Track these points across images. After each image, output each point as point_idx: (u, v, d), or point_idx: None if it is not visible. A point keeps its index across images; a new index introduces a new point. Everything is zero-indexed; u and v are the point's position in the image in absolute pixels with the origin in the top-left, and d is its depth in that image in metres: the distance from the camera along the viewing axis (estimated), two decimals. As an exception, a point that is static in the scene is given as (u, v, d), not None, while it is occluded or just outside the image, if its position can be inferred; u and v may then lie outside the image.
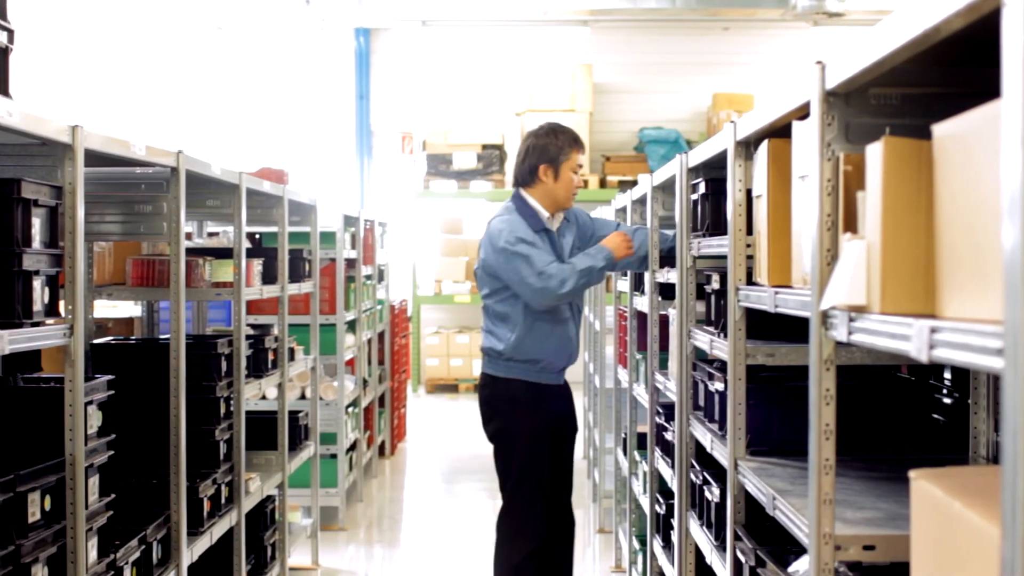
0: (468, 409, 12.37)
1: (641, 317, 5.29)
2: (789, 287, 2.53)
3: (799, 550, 2.71)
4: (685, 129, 13.73)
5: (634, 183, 12.63)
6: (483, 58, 14.08)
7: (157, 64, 12.86)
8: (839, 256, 2.04)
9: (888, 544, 2.15)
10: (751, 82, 13.82)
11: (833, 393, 2.16)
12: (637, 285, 5.27)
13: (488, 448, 10.22)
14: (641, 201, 5.22)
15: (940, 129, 1.74)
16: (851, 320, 1.96)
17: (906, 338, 1.69)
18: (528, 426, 4.42)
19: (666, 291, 4.64)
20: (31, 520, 2.81)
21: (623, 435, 5.85)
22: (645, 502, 4.86)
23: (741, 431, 3.00)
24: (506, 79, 13.82)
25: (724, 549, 3.17)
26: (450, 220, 13.76)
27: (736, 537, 2.97)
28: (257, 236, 6.69)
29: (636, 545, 5.32)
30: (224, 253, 4.84)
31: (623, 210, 5.82)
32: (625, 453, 5.66)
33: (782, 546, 2.81)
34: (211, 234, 6.45)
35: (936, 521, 1.72)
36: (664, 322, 4.69)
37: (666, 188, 4.57)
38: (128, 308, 5.96)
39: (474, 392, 13.27)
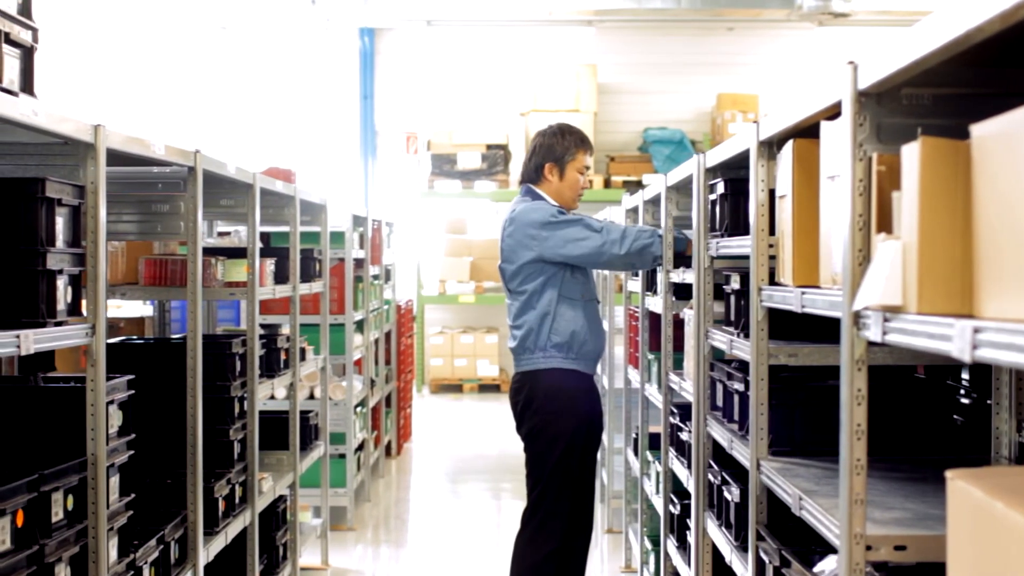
0: (472, 409, 12.38)
1: (653, 317, 5.29)
2: (816, 287, 2.52)
3: (823, 550, 2.72)
4: (689, 129, 13.74)
5: (639, 183, 12.72)
6: (488, 58, 14.08)
7: (161, 64, 12.86)
8: (873, 256, 2.04)
9: (919, 544, 2.15)
10: (755, 82, 13.82)
11: (865, 393, 2.16)
12: (649, 285, 5.27)
13: (491, 449, 10.32)
14: (653, 201, 5.22)
15: (980, 129, 1.74)
16: (886, 320, 1.96)
17: (947, 338, 1.68)
18: (567, 425, 4.34)
19: (679, 291, 4.64)
20: (54, 520, 2.81)
21: (633, 435, 5.85)
22: (658, 502, 4.86)
23: (763, 431, 3.00)
24: (511, 79, 13.82)
25: (745, 549, 3.17)
26: (454, 220, 13.76)
27: (759, 537, 2.96)
28: (266, 236, 6.69)
29: (648, 545, 5.32)
30: (235, 253, 4.84)
31: (634, 210, 5.82)
32: (636, 453, 5.66)
33: (804, 546, 2.81)
34: (221, 234, 6.45)
35: (976, 522, 1.71)
36: (678, 322, 4.69)
37: (680, 188, 4.56)
38: (136, 308, 5.95)
39: (478, 392, 13.31)
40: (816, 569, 2.59)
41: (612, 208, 7.37)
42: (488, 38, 14.04)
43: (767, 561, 2.85)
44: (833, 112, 2.37)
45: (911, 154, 1.90)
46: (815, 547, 2.76)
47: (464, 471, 9.08)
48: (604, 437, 7.53)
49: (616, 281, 7.22)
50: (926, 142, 1.86)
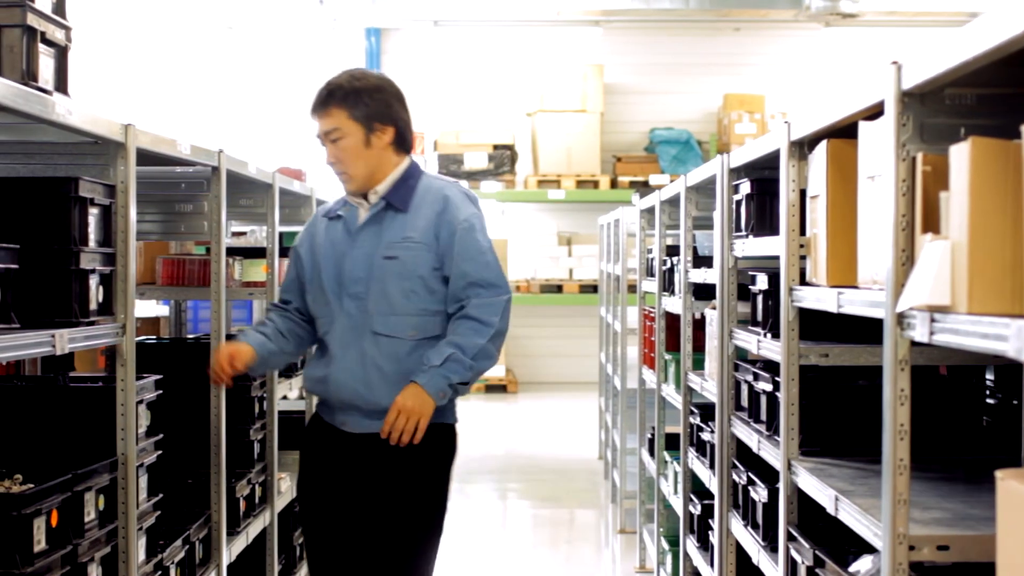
0: (478, 410, 12.38)
1: (670, 317, 5.29)
2: (854, 287, 2.52)
3: (857, 550, 2.71)
4: (696, 130, 13.74)
5: (645, 183, 12.70)
6: (495, 58, 14.08)
7: (166, 63, 12.85)
8: (918, 256, 2.04)
9: (962, 544, 2.15)
10: (762, 83, 13.82)
11: (908, 393, 2.16)
12: (667, 286, 5.26)
13: (499, 449, 10.34)
14: (671, 202, 5.22)
15: (1034, 129, 1.74)
16: (933, 320, 1.96)
17: (1002, 338, 1.68)
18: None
19: (697, 292, 4.64)
20: (87, 520, 2.81)
21: (648, 435, 5.85)
22: (676, 502, 4.86)
23: (794, 431, 3.00)
24: (517, 79, 13.82)
25: (774, 550, 3.17)
26: (460, 220, 13.75)
27: (790, 537, 2.96)
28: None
29: (665, 545, 5.31)
30: (252, 253, 4.85)
31: (650, 211, 5.82)
32: (652, 453, 5.65)
33: (836, 546, 2.81)
34: (236, 233, 6.44)
35: (1030, 521, 1.71)
36: (696, 323, 4.69)
37: (700, 188, 4.57)
38: (150, 308, 5.94)
39: (485, 393, 13.30)
40: (852, 569, 2.59)
41: (624, 208, 7.38)
42: (495, 38, 14.03)
43: (800, 561, 2.85)
44: (872, 112, 2.37)
45: (960, 154, 1.90)
46: (848, 547, 2.76)
47: (472, 471, 9.07)
48: (615, 438, 7.55)
49: (628, 281, 7.21)
50: (976, 142, 1.86)
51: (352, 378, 3.16)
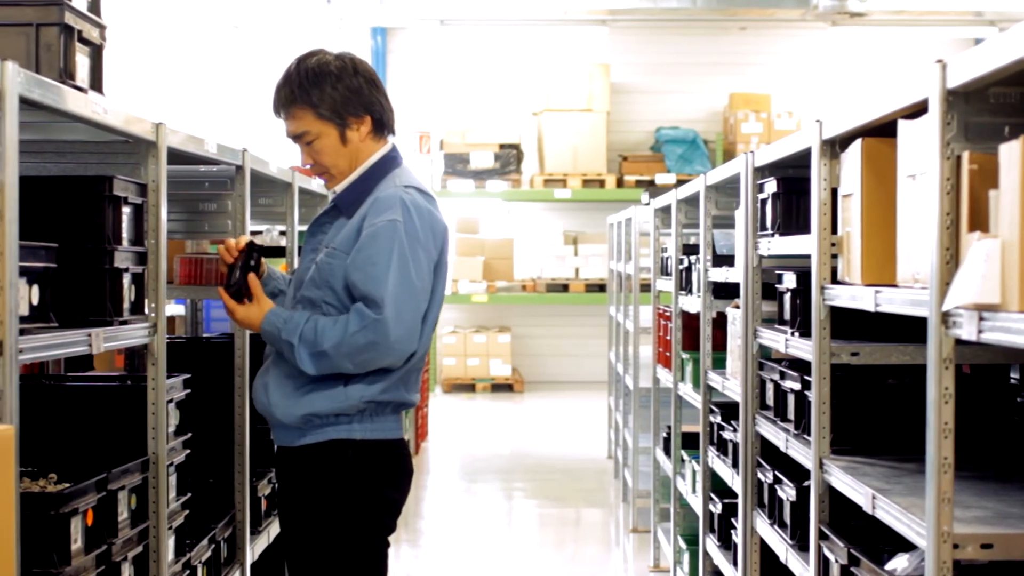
0: (485, 409, 12.39)
1: (686, 316, 5.28)
2: (890, 286, 2.52)
3: (892, 548, 2.71)
4: (702, 129, 13.74)
5: (651, 182, 12.69)
6: (501, 57, 14.08)
7: (171, 62, 12.84)
8: (965, 255, 2.04)
9: (1007, 543, 2.15)
10: (768, 82, 13.83)
11: (952, 392, 2.16)
12: (684, 285, 5.26)
13: (505, 449, 10.35)
14: (688, 201, 5.21)
15: (1089, 128, 1.74)
16: (981, 319, 1.96)
17: (1059, 337, 1.69)
18: None
19: (716, 291, 4.64)
20: (120, 519, 2.81)
21: (663, 434, 5.84)
22: (695, 501, 4.86)
23: (826, 430, 3.00)
24: (523, 78, 13.82)
25: (803, 548, 3.17)
26: (466, 219, 13.77)
27: (822, 536, 2.96)
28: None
29: (682, 544, 5.31)
30: (269, 252, 4.83)
31: (665, 209, 5.82)
32: (667, 452, 5.65)
33: (868, 545, 2.81)
34: (252, 232, 6.44)
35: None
36: (714, 321, 4.68)
37: (720, 188, 4.57)
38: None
39: (491, 392, 13.31)
40: (888, 567, 2.58)
41: (636, 207, 7.37)
42: (501, 37, 14.03)
43: (833, 560, 2.85)
44: (911, 111, 2.37)
45: (1011, 152, 1.90)
46: (881, 546, 2.76)
47: (480, 471, 9.09)
48: (627, 437, 7.56)
49: (640, 280, 7.21)
50: (1028, 140, 1.86)
51: (256, 385, 2.90)
